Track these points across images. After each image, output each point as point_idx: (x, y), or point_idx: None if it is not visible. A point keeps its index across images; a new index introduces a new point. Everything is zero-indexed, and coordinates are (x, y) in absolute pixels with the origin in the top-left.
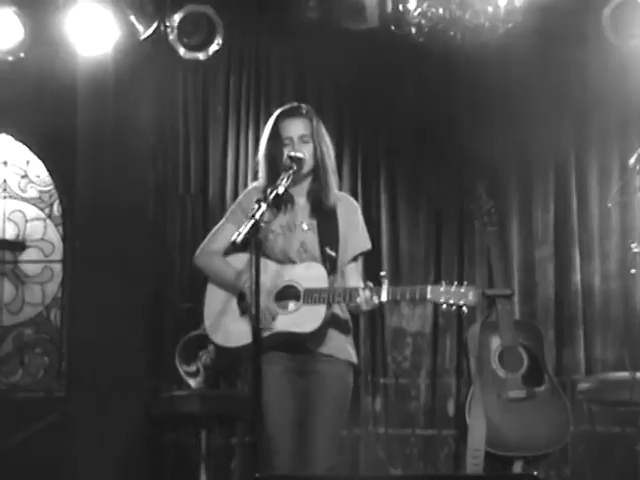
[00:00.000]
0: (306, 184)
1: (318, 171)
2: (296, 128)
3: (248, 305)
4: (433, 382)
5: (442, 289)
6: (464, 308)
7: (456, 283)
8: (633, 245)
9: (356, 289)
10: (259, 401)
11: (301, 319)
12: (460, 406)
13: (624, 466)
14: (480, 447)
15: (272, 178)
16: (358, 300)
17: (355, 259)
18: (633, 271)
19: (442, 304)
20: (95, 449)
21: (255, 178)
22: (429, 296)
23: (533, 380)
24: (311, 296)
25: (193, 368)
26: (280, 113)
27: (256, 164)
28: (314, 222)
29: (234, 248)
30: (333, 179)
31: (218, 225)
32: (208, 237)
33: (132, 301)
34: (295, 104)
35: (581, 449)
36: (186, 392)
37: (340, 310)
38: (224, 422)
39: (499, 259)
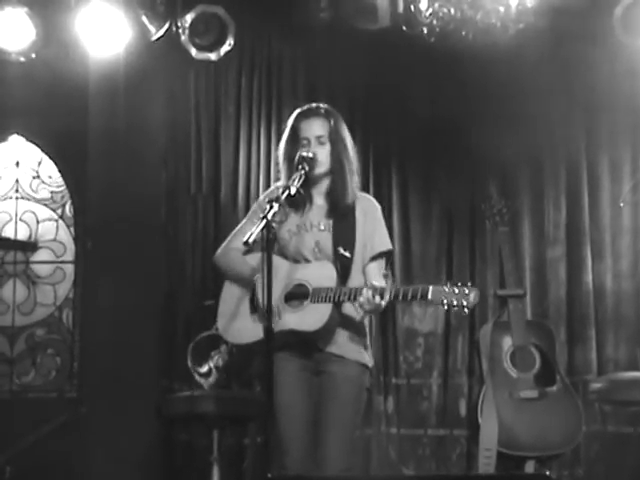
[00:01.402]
0: (324, 184)
1: (336, 171)
2: (313, 129)
3: (257, 303)
4: (445, 382)
5: (444, 290)
6: (465, 310)
7: (459, 284)
8: None
9: (361, 289)
10: (271, 401)
11: (306, 317)
12: (472, 406)
13: (636, 466)
14: (492, 447)
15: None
16: (360, 299)
17: (376, 259)
18: None
19: (443, 305)
20: (107, 449)
21: (267, 177)
22: (430, 297)
23: (545, 380)
24: (318, 295)
25: (205, 369)
26: (299, 114)
27: (277, 164)
28: (330, 222)
29: (250, 248)
30: (352, 179)
31: (240, 225)
32: (229, 237)
33: (144, 301)
34: (314, 105)
35: (593, 449)
36: (198, 393)
37: (356, 312)
38: (236, 422)
39: (511, 259)
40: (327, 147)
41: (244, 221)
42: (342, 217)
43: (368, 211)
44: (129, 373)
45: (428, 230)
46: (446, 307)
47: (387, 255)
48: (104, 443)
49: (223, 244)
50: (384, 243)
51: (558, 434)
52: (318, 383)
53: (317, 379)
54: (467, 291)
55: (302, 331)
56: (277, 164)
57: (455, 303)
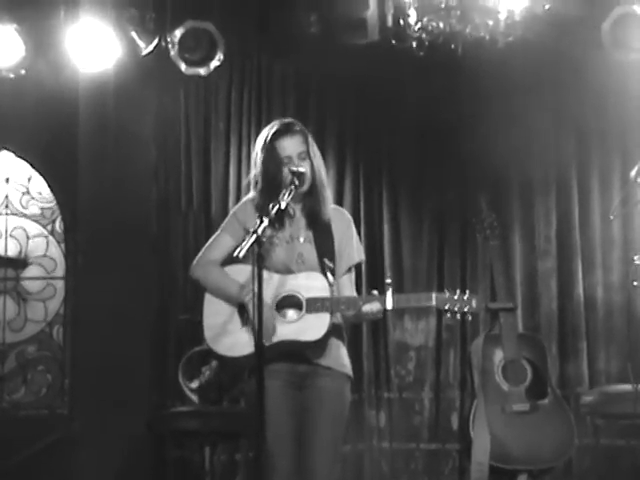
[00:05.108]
0: (301, 197)
1: (314, 186)
2: (294, 147)
3: (250, 319)
4: (437, 396)
5: (446, 296)
6: (468, 316)
7: (459, 291)
8: (635, 257)
9: (360, 298)
10: (262, 416)
11: (305, 328)
12: (464, 420)
13: (629, 479)
14: (484, 461)
15: (269, 195)
16: (368, 308)
17: (349, 270)
18: (635, 283)
19: (446, 311)
20: (98, 466)
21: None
22: (434, 303)
23: (537, 393)
24: (314, 305)
25: (196, 384)
26: (275, 132)
27: (250, 180)
28: (310, 234)
29: (233, 259)
30: (328, 193)
31: (214, 236)
32: (204, 248)
33: (135, 317)
34: (287, 120)
35: (585, 462)
36: (189, 408)
37: (336, 317)
38: (228, 438)
39: (502, 273)
40: (308, 162)
41: (218, 232)
42: (320, 229)
43: (342, 224)
44: (120, 389)
45: (419, 245)
46: (449, 314)
47: (357, 267)
48: (96, 459)
49: (198, 255)
50: (358, 255)
51: (550, 447)
52: (302, 398)
53: (301, 394)
54: (469, 297)
55: (303, 341)
56: (251, 180)
57: (457, 309)
